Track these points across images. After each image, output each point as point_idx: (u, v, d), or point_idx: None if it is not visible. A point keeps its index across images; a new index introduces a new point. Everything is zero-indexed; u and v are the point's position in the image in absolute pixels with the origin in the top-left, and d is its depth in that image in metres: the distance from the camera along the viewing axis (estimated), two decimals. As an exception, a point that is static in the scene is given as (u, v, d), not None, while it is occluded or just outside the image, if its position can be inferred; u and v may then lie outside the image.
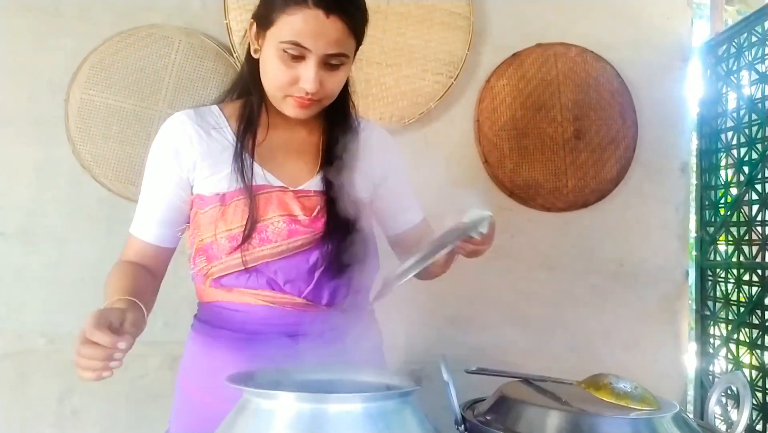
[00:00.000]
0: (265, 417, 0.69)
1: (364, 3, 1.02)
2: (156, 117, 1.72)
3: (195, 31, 1.76)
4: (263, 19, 0.99)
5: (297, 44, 0.94)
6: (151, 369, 1.74)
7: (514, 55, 1.89)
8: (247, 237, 1.00)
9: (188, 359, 1.12)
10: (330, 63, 0.98)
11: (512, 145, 1.88)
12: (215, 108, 1.10)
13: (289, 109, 1.02)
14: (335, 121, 1.10)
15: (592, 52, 1.92)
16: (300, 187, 1.05)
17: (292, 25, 0.94)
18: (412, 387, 0.76)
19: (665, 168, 1.96)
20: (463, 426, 0.80)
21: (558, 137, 1.89)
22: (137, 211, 1.08)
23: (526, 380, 0.95)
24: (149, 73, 1.72)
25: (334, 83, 1.01)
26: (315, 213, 1.04)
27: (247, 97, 1.08)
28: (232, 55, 1.75)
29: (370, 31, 1.07)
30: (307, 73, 0.96)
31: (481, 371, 0.99)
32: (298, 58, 0.96)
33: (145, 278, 1.04)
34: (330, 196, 1.05)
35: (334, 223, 1.04)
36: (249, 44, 1.04)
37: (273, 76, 0.99)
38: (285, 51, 0.95)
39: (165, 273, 1.11)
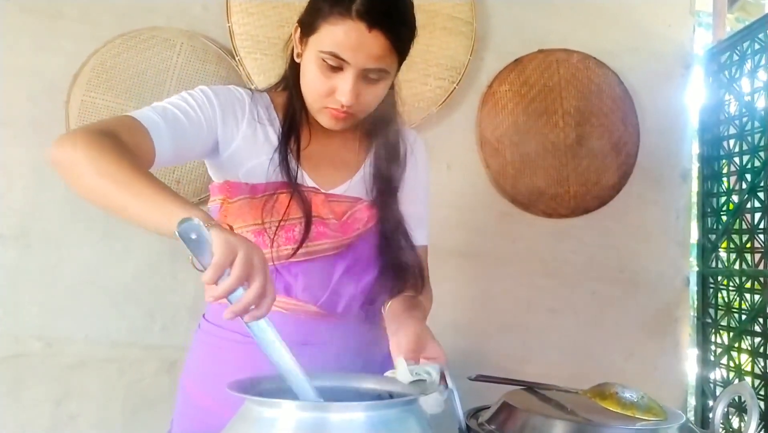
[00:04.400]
0: (266, 426, 0.68)
1: (413, 18, 0.99)
2: (156, 120, 1.71)
3: (197, 33, 1.75)
4: (307, 25, 0.97)
5: (335, 56, 0.93)
6: (149, 374, 1.72)
7: (516, 60, 1.89)
8: (306, 232, 0.99)
9: (193, 360, 1.11)
10: (368, 77, 0.96)
11: (514, 151, 1.87)
12: (266, 96, 1.08)
13: (324, 119, 1.01)
14: (377, 130, 1.10)
15: (594, 58, 1.92)
16: (332, 191, 1.05)
17: (333, 35, 0.92)
18: (416, 395, 0.75)
19: (667, 175, 1.96)
20: (467, 435, 0.79)
21: (560, 143, 1.89)
22: (142, 109, 0.93)
23: (531, 388, 0.94)
24: (151, 76, 1.71)
25: (370, 97, 0.99)
26: (345, 218, 1.03)
27: (291, 97, 1.06)
28: (234, 58, 1.74)
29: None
30: (344, 86, 0.94)
31: (483, 378, 0.98)
32: (337, 69, 0.94)
33: None
34: (365, 204, 1.05)
35: (364, 231, 1.04)
36: (292, 48, 1.03)
37: (310, 84, 0.98)
38: (324, 60, 0.94)
39: None
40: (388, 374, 0.84)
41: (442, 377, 0.81)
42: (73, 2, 1.72)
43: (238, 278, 0.71)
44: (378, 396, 0.81)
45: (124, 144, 0.83)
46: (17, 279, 1.69)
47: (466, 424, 0.81)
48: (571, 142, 1.89)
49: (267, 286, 0.73)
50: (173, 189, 1.51)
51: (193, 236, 0.71)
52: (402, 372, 0.80)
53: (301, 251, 1.00)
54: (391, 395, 0.80)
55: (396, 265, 1.05)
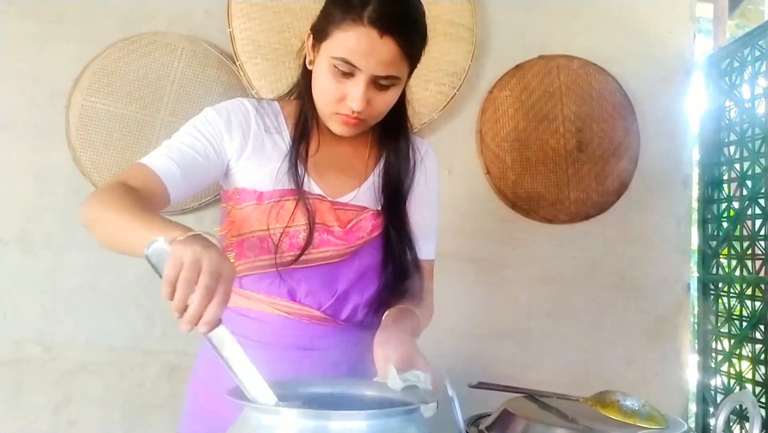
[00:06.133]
0: (265, 433, 0.68)
1: (424, 26, 1.00)
2: (158, 125, 1.71)
3: (198, 38, 1.75)
4: (319, 32, 0.98)
5: (347, 61, 0.93)
6: (149, 379, 1.72)
7: (516, 66, 1.89)
8: (309, 239, 0.99)
9: (201, 364, 1.11)
10: (379, 83, 0.96)
11: (514, 157, 1.87)
12: (276, 105, 1.10)
13: (335, 125, 1.02)
14: (388, 138, 1.10)
15: (594, 64, 1.92)
16: (338, 199, 1.05)
17: (344, 41, 0.93)
18: (417, 403, 0.75)
19: (667, 181, 1.96)
20: (467, 443, 0.79)
21: (560, 149, 1.89)
22: (155, 150, 0.99)
23: (531, 396, 0.94)
24: (151, 81, 1.71)
25: (381, 104, 0.99)
26: (349, 226, 1.03)
27: (302, 103, 1.07)
28: (235, 63, 1.74)
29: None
30: (355, 92, 0.95)
31: (484, 386, 0.98)
32: (348, 74, 0.95)
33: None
34: (371, 214, 1.05)
35: (369, 240, 1.04)
36: (305, 55, 1.04)
37: (322, 90, 0.99)
38: (335, 66, 0.94)
39: None
40: (376, 381, 0.84)
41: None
42: (74, 6, 1.73)
43: (183, 286, 0.69)
44: (378, 403, 0.81)
45: (132, 189, 0.88)
46: (17, 283, 1.69)
47: (467, 431, 0.80)
48: (572, 148, 1.89)
49: (216, 288, 0.70)
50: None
51: (164, 256, 0.72)
52: (393, 380, 0.80)
53: (303, 257, 1.00)
54: (392, 403, 0.80)
55: (398, 275, 1.05)
